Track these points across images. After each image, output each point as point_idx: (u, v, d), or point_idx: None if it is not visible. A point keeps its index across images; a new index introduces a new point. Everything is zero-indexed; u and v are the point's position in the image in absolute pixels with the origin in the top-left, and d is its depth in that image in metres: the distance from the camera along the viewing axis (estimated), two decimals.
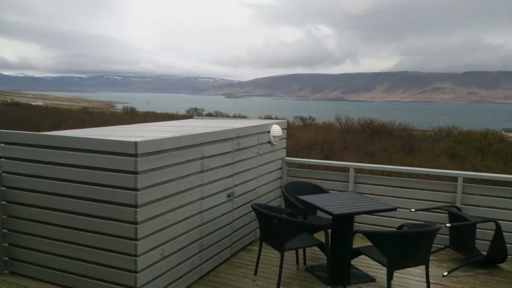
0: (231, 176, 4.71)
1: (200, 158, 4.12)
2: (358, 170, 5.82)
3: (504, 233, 4.61)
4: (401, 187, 5.60)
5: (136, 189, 3.36)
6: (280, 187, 5.99)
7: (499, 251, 4.68)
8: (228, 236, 4.78)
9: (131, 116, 34.19)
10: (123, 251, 3.48)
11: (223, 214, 4.64)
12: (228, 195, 4.69)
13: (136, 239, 3.42)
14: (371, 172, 6.32)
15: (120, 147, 3.38)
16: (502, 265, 4.74)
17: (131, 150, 3.33)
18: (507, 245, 4.65)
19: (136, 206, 3.38)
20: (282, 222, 4.10)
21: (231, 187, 4.72)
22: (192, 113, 32.91)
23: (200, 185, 4.16)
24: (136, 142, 3.31)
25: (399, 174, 6.26)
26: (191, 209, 4.06)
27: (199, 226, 4.22)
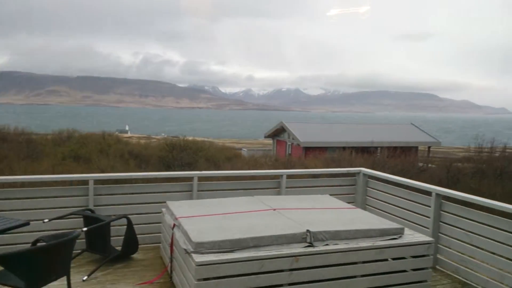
0: None
1: None
2: None
3: (134, 225, 5.08)
4: (31, 198, 5.15)
5: None
6: None
7: (131, 243, 5.12)
8: None
9: None
10: None
11: None
12: None
13: None
14: (2, 185, 5.50)
15: None
16: (135, 255, 5.21)
17: None
18: (138, 236, 5.15)
19: None
20: None
21: None
22: None
23: None
24: None
25: (23, 184, 5.74)
26: None
27: None
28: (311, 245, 4.05)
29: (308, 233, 4.09)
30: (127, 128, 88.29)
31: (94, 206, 5.31)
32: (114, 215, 5.19)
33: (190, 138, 29.77)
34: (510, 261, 4.24)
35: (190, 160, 20.38)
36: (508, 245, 4.24)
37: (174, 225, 4.53)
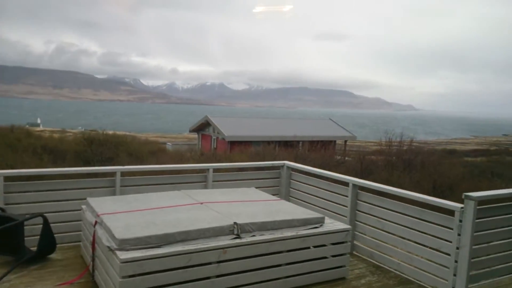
0: None
1: None
2: None
3: (52, 224, 4.78)
4: None
5: None
6: None
7: (47, 243, 4.81)
8: None
9: None
10: None
11: None
12: None
13: None
14: None
15: None
16: (53, 256, 4.90)
17: None
18: (55, 235, 4.86)
19: None
20: None
21: None
22: None
23: None
24: None
25: None
26: None
27: None
28: (238, 237, 4.13)
29: (235, 225, 4.16)
30: (38, 121, 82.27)
31: (5, 204, 4.91)
32: (28, 214, 4.84)
33: (110, 132, 28.47)
34: (418, 245, 4.67)
35: (111, 154, 19.52)
36: (416, 230, 4.68)
37: (96, 222, 4.35)
